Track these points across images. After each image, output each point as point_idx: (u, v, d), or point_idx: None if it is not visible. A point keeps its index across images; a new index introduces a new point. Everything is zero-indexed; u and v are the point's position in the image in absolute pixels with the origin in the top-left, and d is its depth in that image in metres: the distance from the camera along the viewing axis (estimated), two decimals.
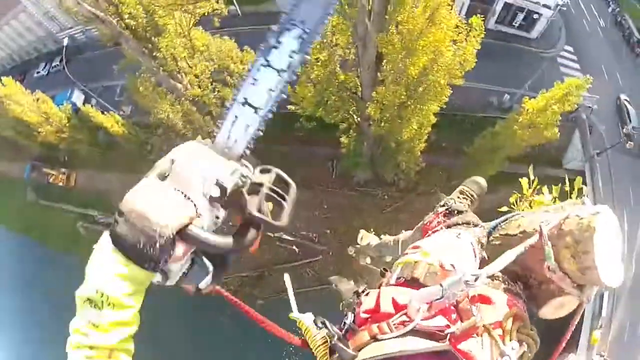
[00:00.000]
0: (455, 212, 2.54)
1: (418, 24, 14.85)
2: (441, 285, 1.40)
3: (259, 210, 1.27)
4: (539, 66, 24.41)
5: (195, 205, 1.15)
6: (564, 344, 1.64)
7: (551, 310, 1.75)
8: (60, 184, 31.68)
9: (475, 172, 15.85)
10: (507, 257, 1.54)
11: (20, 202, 34.20)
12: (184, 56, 18.86)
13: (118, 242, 1.03)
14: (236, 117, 1.40)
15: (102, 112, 25.23)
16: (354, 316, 1.56)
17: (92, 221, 29.86)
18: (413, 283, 1.58)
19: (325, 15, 1.37)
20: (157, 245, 1.02)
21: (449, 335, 1.35)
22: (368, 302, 1.56)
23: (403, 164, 19.32)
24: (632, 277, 26.50)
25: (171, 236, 1.04)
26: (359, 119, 17.58)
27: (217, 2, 17.83)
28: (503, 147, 19.06)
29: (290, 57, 1.35)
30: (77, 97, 30.92)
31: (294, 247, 17.25)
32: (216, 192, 1.20)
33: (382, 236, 5.97)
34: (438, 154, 21.74)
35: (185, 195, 1.15)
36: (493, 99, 26.06)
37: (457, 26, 15.70)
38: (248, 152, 1.40)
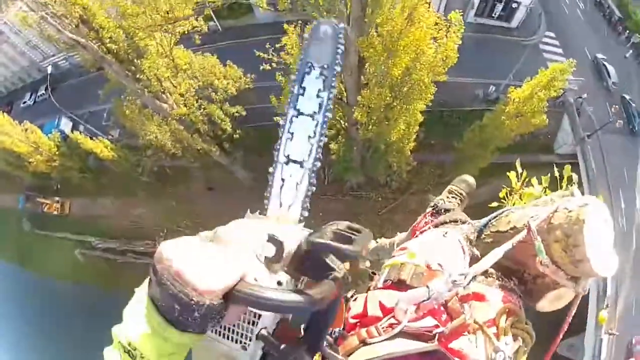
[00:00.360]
0: (443, 211, 2.53)
1: (397, 25, 14.86)
2: (427, 286, 1.41)
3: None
4: (522, 55, 24.45)
5: (246, 264, 0.97)
6: (561, 335, 1.64)
7: (548, 304, 1.75)
8: (55, 212, 31.57)
9: (467, 166, 15.88)
10: (495, 255, 1.54)
11: (16, 233, 34.12)
12: (168, 76, 18.80)
13: (154, 301, 0.88)
14: (283, 180, 1.34)
15: (91, 138, 25.27)
16: (344, 322, 1.53)
17: (90, 247, 29.80)
18: (400, 285, 1.56)
19: (338, 46, 1.37)
20: (196, 314, 0.84)
21: (437, 335, 1.35)
22: (356, 307, 1.55)
23: (394, 165, 19.29)
24: (634, 253, 26.63)
25: (214, 304, 0.85)
26: (346, 124, 17.53)
27: (197, 19, 17.81)
28: (492, 139, 19.08)
29: (319, 97, 1.35)
30: (65, 125, 30.89)
31: None
32: (271, 251, 1.00)
33: (378, 239, 5.98)
34: (428, 152, 21.65)
35: (233, 254, 0.97)
36: (479, 91, 26.08)
37: (436, 23, 15.60)
38: (306, 213, 1.29)
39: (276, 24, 19.58)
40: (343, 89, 16.91)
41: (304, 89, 1.35)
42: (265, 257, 1.00)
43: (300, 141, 1.33)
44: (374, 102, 16.14)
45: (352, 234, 1.16)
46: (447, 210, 2.52)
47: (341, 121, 17.64)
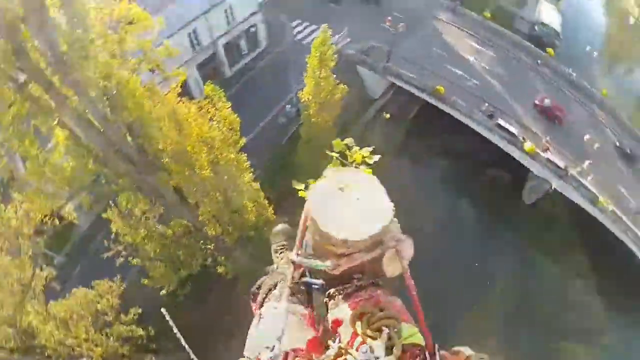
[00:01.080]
0: (256, 289, 2.50)
1: (174, 136, 15.36)
2: None
3: None
4: (287, 59, 26.01)
5: None
6: (414, 292, 1.73)
7: (391, 269, 1.79)
8: None
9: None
10: (276, 299, 1.82)
11: None
12: (64, 335, 18.22)
13: None
14: None
15: None
16: None
17: None
18: None
19: None
20: None
21: None
22: None
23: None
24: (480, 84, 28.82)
25: None
26: (212, 244, 17.73)
27: (42, 269, 17.64)
28: (321, 143, 19.06)
29: None
30: None
31: None
32: None
33: None
34: (286, 199, 19.56)
35: None
36: (282, 119, 26.53)
37: (200, 108, 16.13)
38: None
39: (98, 220, 19.66)
40: (185, 222, 17.22)
41: None
42: None
43: None
44: (213, 209, 16.50)
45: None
46: (259, 287, 2.49)
47: (206, 247, 17.81)
